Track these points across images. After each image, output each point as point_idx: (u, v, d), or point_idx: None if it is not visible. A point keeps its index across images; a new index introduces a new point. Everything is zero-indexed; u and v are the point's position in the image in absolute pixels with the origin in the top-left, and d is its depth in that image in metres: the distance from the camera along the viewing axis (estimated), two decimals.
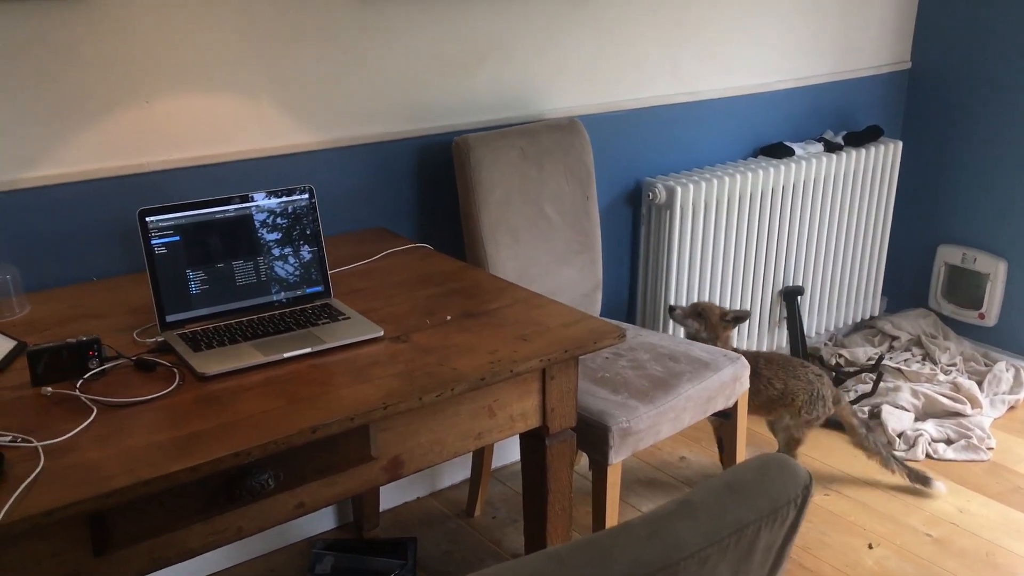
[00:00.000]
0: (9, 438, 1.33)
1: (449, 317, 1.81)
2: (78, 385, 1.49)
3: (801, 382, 2.61)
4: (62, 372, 1.50)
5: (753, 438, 2.96)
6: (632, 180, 2.88)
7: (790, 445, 2.70)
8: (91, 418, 1.39)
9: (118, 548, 1.30)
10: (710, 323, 2.62)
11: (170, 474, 1.26)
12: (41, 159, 1.89)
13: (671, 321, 2.74)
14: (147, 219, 1.68)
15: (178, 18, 1.97)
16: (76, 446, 1.32)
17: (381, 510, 2.60)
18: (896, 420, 2.98)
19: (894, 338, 3.56)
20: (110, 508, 1.26)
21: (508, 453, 2.84)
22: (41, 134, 1.88)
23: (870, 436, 2.68)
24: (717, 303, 3.02)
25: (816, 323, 3.38)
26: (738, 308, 2.98)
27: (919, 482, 2.67)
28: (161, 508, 1.33)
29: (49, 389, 1.48)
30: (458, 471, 2.75)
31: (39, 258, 1.93)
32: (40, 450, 1.30)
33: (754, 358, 2.62)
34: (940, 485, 2.67)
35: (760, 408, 2.64)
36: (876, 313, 3.59)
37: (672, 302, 2.82)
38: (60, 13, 1.84)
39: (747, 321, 2.95)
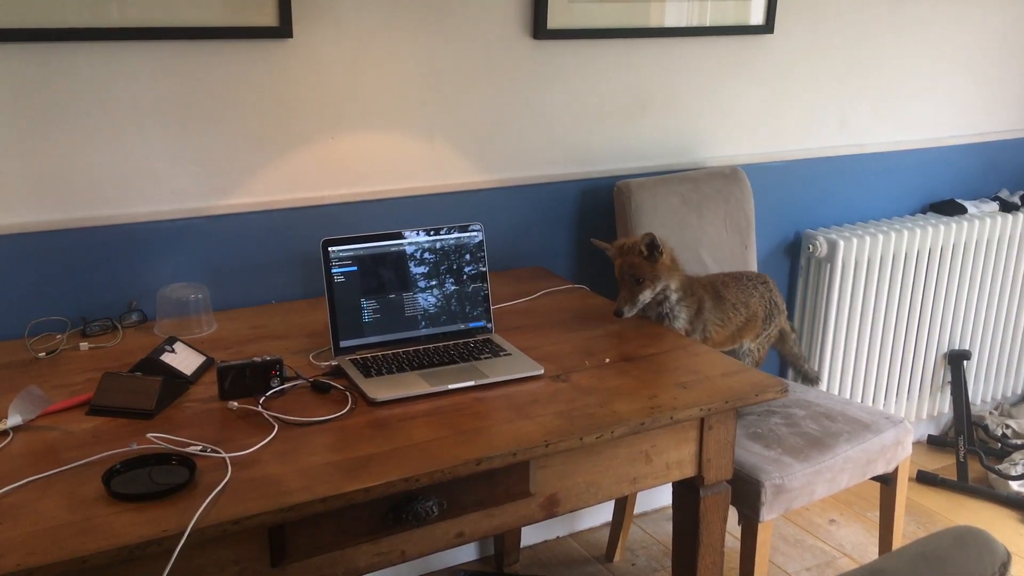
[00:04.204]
0: (200, 447, 1.42)
1: (608, 359, 1.82)
2: (261, 402, 1.58)
3: (756, 296, 2.20)
4: (246, 388, 1.60)
5: (912, 507, 2.82)
6: (792, 231, 2.83)
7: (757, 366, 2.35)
8: (273, 434, 1.48)
9: (293, 561, 1.37)
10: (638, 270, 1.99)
11: (345, 493, 1.32)
12: (236, 188, 2.03)
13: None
14: (329, 249, 1.78)
15: (365, 62, 2.08)
16: (259, 460, 1.40)
17: (522, 546, 2.61)
18: None
19: None
20: (288, 522, 1.33)
21: (650, 499, 2.81)
22: (238, 165, 2.02)
23: (796, 340, 2.46)
24: (866, 354, 2.91)
25: (982, 390, 3.20)
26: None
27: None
28: (334, 526, 1.39)
29: (235, 404, 1.57)
30: (599, 514, 2.74)
31: (226, 280, 2.06)
32: (227, 461, 1.39)
33: (712, 285, 2.16)
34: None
35: (730, 339, 2.18)
36: None
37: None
38: (263, 53, 1.98)
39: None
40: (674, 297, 2.04)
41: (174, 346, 1.72)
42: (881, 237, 2.77)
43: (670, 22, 2.42)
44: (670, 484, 1.78)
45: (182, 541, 1.21)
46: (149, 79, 1.89)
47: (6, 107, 1.79)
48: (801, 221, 2.83)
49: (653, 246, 1.98)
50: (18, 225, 1.85)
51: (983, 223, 2.95)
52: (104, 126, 1.88)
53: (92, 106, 1.86)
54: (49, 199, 1.87)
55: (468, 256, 1.90)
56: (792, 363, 2.51)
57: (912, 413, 3.06)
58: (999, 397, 3.28)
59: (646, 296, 1.99)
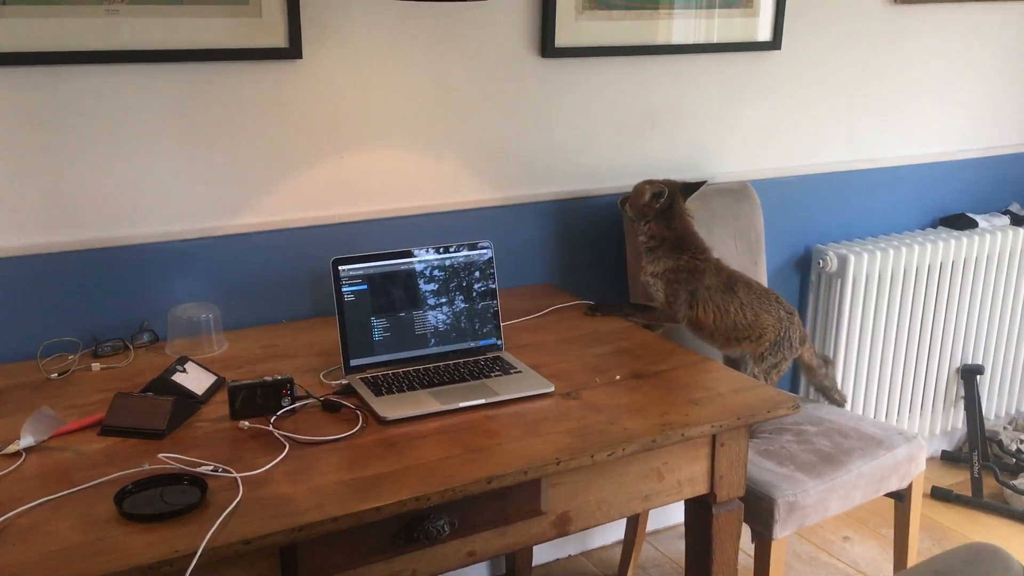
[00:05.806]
0: (211, 467, 1.42)
1: (618, 376, 1.81)
2: (272, 421, 1.58)
3: (772, 318, 2.19)
4: (257, 408, 1.60)
5: (927, 524, 2.79)
6: (802, 246, 2.82)
7: None
8: (284, 453, 1.48)
9: None
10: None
11: (357, 512, 1.32)
12: (246, 207, 2.04)
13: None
14: (340, 268, 1.78)
15: (374, 81, 2.10)
16: (270, 479, 1.40)
17: (533, 564, 2.60)
18: None
19: None
20: (300, 541, 1.33)
21: (662, 517, 2.79)
22: (248, 184, 2.03)
23: (830, 374, 2.44)
24: (878, 370, 2.90)
25: (996, 405, 3.18)
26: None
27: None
28: (345, 545, 1.39)
29: (246, 423, 1.57)
30: (611, 532, 2.72)
31: (237, 299, 2.07)
32: (239, 481, 1.39)
33: (731, 275, 2.21)
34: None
35: (722, 333, 2.19)
36: None
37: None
38: (273, 74, 1.99)
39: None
40: (641, 239, 2.23)
41: (185, 366, 1.72)
42: (892, 252, 2.76)
43: (677, 39, 2.43)
44: (682, 502, 1.77)
45: (194, 561, 1.21)
46: (160, 101, 1.91)
47: (17, 128, 1.81)
48: (811, 236, 2.83)
49: (656, 195, 2.22)
50: (30, 246, 1.87)
51: (994, 237, 2.93)
52: (115, 147, 1.89)
53: (103, 127, 1.87)
54: (60, 220, 1.88)
55: (478, 273, 1.90)
56: (822, 392, 2.49)
57: (925, 429, 3.04)
58: (1013, 412, 3.25)
59: (627, 210, 2.27)
